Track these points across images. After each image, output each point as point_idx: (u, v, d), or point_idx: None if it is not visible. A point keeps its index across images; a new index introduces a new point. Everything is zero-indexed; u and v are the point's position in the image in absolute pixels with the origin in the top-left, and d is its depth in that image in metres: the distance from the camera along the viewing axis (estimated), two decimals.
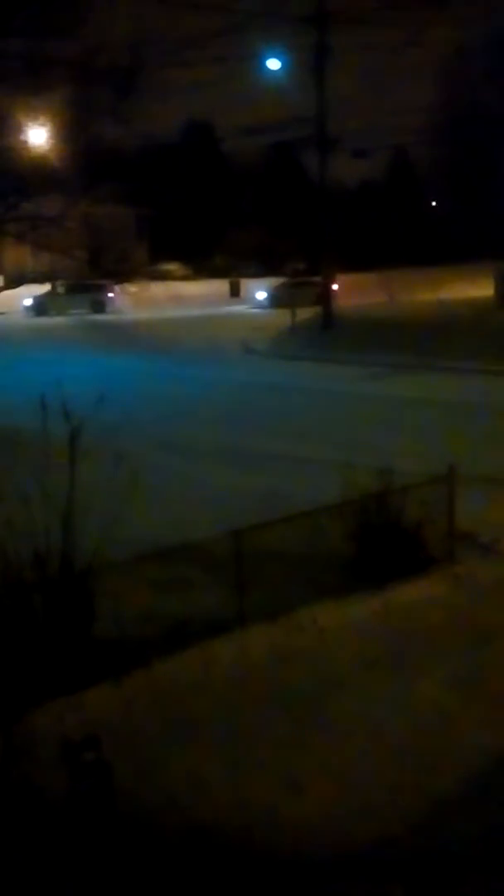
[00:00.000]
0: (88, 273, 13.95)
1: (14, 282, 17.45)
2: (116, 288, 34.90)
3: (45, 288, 35.72)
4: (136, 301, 15.94)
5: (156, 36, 13.74)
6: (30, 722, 4.45)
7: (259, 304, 37.99)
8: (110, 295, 35.99)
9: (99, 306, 35.91)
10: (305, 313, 31.52)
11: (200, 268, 48.12)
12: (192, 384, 18.63)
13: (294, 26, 27.91)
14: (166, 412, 15.26)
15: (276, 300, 37.09)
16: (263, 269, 46.66)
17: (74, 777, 3.39)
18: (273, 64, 30.83)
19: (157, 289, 35.64)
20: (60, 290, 36.52)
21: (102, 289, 35.53)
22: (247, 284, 42.58)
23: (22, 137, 12.70)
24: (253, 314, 36.00)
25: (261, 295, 38.39)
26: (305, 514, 7.41)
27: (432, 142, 44.00)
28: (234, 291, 43.80)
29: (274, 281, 40.26)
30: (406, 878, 3.49)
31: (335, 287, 38.69)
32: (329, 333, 28.05)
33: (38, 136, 12.94)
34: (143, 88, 13.12)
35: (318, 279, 40.19)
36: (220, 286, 44.27)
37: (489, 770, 4.41)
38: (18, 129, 12.58)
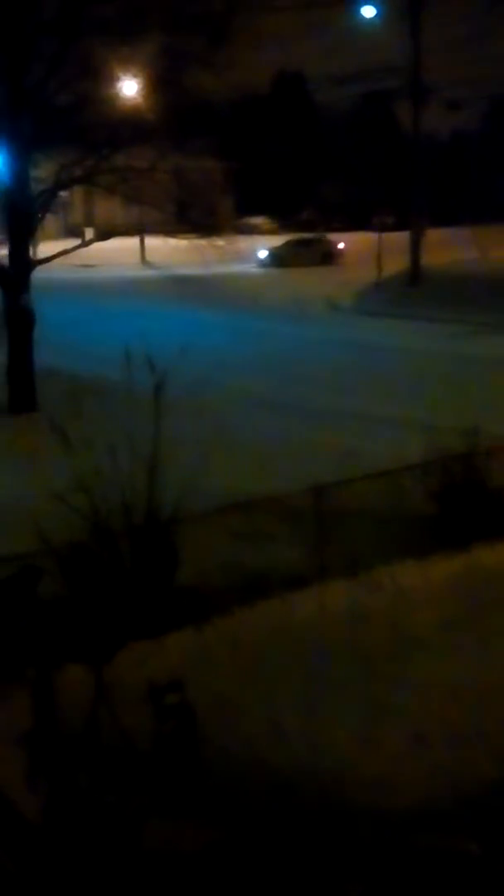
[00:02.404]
0: (177, 227, 13.90)
1: (105, 234, 17.63)
2: None
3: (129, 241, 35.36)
4: (221, 255, 16.06)
5: None
6: (115, 663, 4.60)
7: (261, 263, 36.11)
8: None
9: None
10: (310, 273, 30.74)
11: (288, 222, 47.55)
12: (276, 340, 18.59)
13: None
14: (247, 366, 15.30)
15: (277, 259, 35.31)
16: (351, 223, 45.85)
17: (159, 718, 3.50)
18: (367, 11, 29.92)
19: (244, 243, 35.38)
20: None
21: None
22: (250, 242, 39.38)
23: (115, 88, 12.72)
24: (251, 274, 33.99)
25: (262, 254, 36.45)
26: (387, 473, 7.38)
27: None
28: None
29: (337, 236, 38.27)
30: (481, 835, 3.51)
31: (341, 246, 36.70)
32: (416, 290, 27.48)
33: (130, 87, 12.94)
34: (236, 38, 12.90)
35: (325, 237, 38.64)
36: None
37: None
38: (111, 80, 12.60)
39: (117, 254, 34.24)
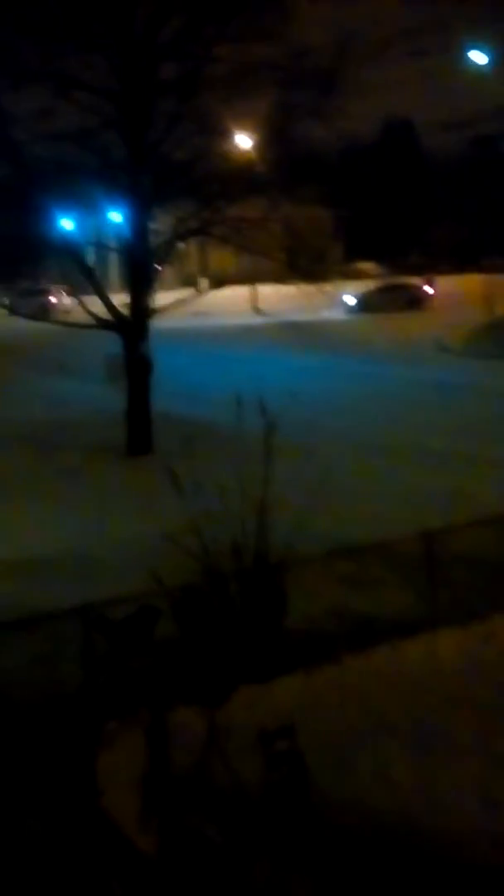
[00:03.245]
0: (287, 274, 14.14)
1: (218, 283, 18.05)
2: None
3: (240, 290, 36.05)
4: (329, 300, 16.42)
5: (358, 35, 13.71)
6: (225, 706, 4.64)
7: (348, 309, 36.02)
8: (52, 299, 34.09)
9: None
10: (405, 318, 30.28)
11: (396, 266, 47.53)
12: (384, 383, 18.50)
13: (498, 17, 26.92)
14: (356, 410, 15.28)
15: (365, 305, 35.11)
16: (458, 266, 45.41)
17: (269, 764, 3.51)
18: (478, 57, 29.89)
19: (350, 288, 35.54)
20: None
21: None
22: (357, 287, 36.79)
23: (228, 142, 13.17)
24: (350, 319, 33.88)
25: (350, 300, 36.32)
26: (498, 519, 7.22)
27: None
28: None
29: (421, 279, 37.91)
30: None
31: (430, 290, 36.24)
32: None
33: (243, 140, 13.36)
34: (344, 88, 13.17)
35: (411, 282, 38.21)
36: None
37: None
38: (226, 135, 13.06)
39: (229, 301, 35.04)
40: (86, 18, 12.17)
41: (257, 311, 39.12)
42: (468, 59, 30.99)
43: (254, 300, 39.35)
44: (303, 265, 14.38)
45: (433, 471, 10.72)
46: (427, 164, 52.24)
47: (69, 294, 37.52)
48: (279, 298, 23.46)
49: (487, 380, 18.87)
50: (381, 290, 36.82)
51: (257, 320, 36.47)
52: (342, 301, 34.71)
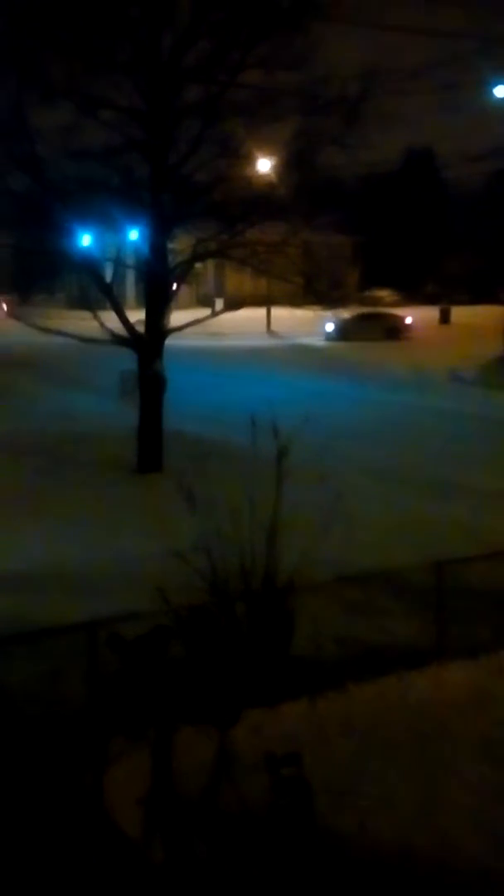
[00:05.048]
0: (303, 299, 14.18)
1: (234, 305, 18.14)
2: None
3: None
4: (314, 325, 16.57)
5: (383, 66, 13.89)
6: (231, 730, 4.58)
7: (327, 337, 36.34)
8: None
9: None
10: (376, 348, 30.48)
11: (412, 294, 47.69)
12: (397, 409, 18.47)
13: None
14: (369, 436, 15.24)
15: (342, 333, 35.45)
16: (476, 297, 45.53)
17: (276, 790, 3.46)
18: (502, 93, 30.11)
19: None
20: None
21: None
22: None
23: (250, 167, 13.26)
24: (364, 345, 34.28)
25: (329, 327, 36.69)
26: None
27: None
28: (444, 318, 42.97)
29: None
30: None
31: (409, 321, 36.80)
32: None
33: (264, 165, 13.48)
34: (368, 117, 13.26)
35: (390, 312, 38.60)
36: (430, 313, 43.66)
37: None
38: (247, 159, 13.15)
39: (244, 323, 35.19)
40: (113, 40, 12.31)
41: (271, 333, 39.30)
42: (493, 94, 31.22)
43: (268, 322, 39.57)
44: (319, 290, 14.41)
45: (445, 501, 10.67)
46: (447, 194, 52.60)
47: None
48: (294, 322, 23.49)
49: (499, 410, 18.81)
50: (360, 319, 37.10)
51: (271, 342, 36.59)
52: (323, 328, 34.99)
